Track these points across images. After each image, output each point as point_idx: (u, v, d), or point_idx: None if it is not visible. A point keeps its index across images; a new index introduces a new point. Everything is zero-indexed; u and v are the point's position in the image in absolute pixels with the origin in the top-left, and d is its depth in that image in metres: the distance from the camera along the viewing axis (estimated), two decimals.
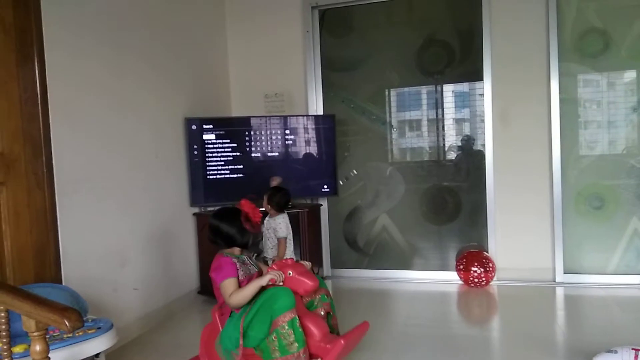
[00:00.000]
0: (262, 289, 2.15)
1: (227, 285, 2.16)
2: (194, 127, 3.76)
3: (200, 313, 3.55)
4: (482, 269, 3.84)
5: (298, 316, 2.07)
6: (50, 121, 2.52)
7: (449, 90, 4.22)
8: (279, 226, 3.21)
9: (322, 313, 2.28)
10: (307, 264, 2.37)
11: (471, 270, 3.86)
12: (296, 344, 2.04)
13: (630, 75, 3.82)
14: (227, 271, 2.19)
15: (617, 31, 3.75)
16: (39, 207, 2.51)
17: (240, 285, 2.19)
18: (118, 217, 2.98)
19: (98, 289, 2.71)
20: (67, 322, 1.40)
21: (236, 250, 2.33)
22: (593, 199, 3.85)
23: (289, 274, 2.20)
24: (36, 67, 2.48)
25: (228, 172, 3.86)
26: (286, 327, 2.04)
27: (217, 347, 2.21)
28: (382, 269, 4.29)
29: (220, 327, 2.24)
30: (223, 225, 2.29)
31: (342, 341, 2.09)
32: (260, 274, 2.33)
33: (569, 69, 3.82)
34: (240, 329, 2.06)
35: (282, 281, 2.17)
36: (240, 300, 2.13)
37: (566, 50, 3.81)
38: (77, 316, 1.43)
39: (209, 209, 3.85)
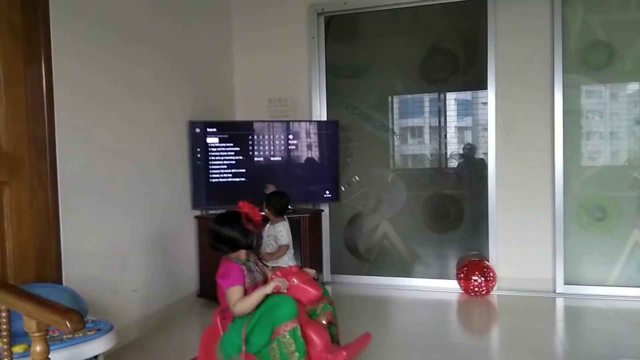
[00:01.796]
0: (266, 295, 2.15)
1: (233, 293, 2.15)
2: (197, 130, 3.77)
3: (200, 316, 3.55)
4: (482, 278, 3.84)
5: (300, 325, 2.07)
6: (55, 123, 2.53)
7: (452, 98, 4.24)
8: (279, 233, 3.17)
9: (324, 322, 2.27)
10: (312, 271, 2.36)
11: (472, 279, 3.86)
12: (297, 354, 2.04)
13: (633, 87, 3.82)
14: (233, 278, 2.17)
15: (621, 44, 3.76)
16: (41, 207, 2.52)
17: (245, 292, 2.17)
18: (120, 218, 2.99)
19: (98, 290, 2.71)
20: (68, 324, 1.40)
21: (242, 254, 2.31)
22: (595, 210, 3.85)
23: (293, 282, 2.19)
24: (43, 70, 2.50)
25: (230, 175, 3.87)
26: (287, 337, 2.04)
27: (217, 351, 2.21)
28: (383, 275, 4.29)
29: (221, 331, 2.24)
30: (225, 230, 2.26)
31: (344, 353, 2.09)
32: (265, 281, 2.32)
33: (573, 81, 3.83)
34: (242, 335, 2.06)
35: (287, 289, 2.17)
36: (244, 309, 2.12)
37: (571, 62, 3.82)
38: (78, 318, 1.43)
39: (211, 212, 3.85)
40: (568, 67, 3.81)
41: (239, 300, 2.13)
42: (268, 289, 2.13)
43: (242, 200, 2.35)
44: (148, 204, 3.27)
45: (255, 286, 2.24)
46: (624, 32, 3.75)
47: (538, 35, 3.84)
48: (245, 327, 2.07)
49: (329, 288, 4.06)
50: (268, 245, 3.24)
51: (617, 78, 3.81)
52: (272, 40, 4.41)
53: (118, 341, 2.21)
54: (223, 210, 2.49)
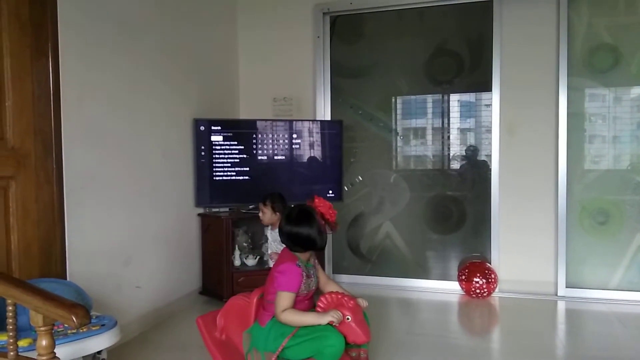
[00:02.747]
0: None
1: (284, 299, 2.06)
2: (202, 127, 3.78)
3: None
4: (484, 280, 3.84)
5: None
6: (62, 119, 2.54)
7: (456, 100, 4.24)
8: None
9: (354, 355, 2.16)
10: (365, 304, 2.20)
11: (473, 280, 3.86)
12: None
13: (638, 91, 3.82)
14: (292, 283, 2.07)
15: (627, 47, 3.76)
16: (47, 202, 2.53)
17: (295, 300, 2.09)
18: (124, 215, 3.00)
19: (102, 286, 2.72)
20: (74, 318, 1.42)
21: (306, 255, 2.19)
22: (598, 214, 3.85)
23: (347, 319, 2.07)
24: (50, 65, 2.51)
25: (234, 173, 3.88)
26: None
27: (245, 335, 2.19)
28: (385, 276, 4.29)
29: (253, 316, 2.20)
30: (303, 229, 2.11)
31: None
32: (317, 289, 2.23)
33: (577, 84, 3.83)
34: (281, 345, 2.03)
35: (339, 323, 2.06)
36: (290, 323, 2.05)
37: (576, 65, 3.82)
38: (84, 313, 1.45)
39: (214, 210, 3.87)
40: (573, 70, 3.81)
41: (289, 310, 2.06)
42: (323, 320, 2.03)
43: (318, 197, 2.20)
44: (152, 201, 3.28)
45: (307, 296, 2.17)
46: (630, 36, 3.75)
47: (544, 38, 3.84)
48: (287, 339, 2.03)
49: None
50: (275, 250, 3.23)
51: (622, 82, 3.81)
52: (277, 39, 4.42)
53: (121, 337, 2.22)
54: (294, 206, 2.26)
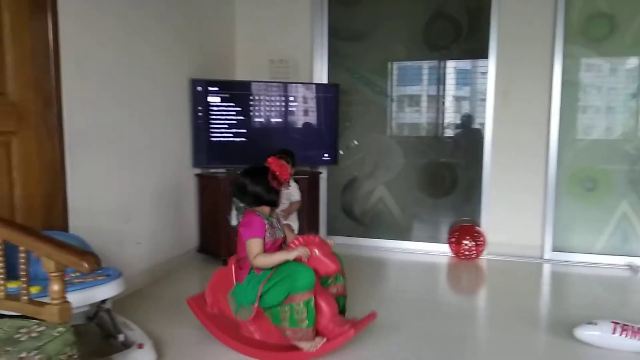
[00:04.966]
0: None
1: (254, 245, 2.20)
2: (199, 88, 3.78)
3: (200, 270, 3.66)
4: (473, 242, 3.97)
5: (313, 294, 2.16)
6: (62, 73, 2.55)
7: (452, 66, 4.26)
8: (294, 191, 3.26)
9: (334, 292, 2.36)
10: (332, 242, 2.40)
11: (462, 243, 3.99)
12: (306, 322, 2.15)
13: (632, 61, 3.86)
14: (255, 230, 2.22)
15: (623, 17, 3.77)
16: (48, 157, 2.56)
17: (265, 246, 2.23)
18: (124, 172, 3.05)
19: (104, 241, 2.78)
20: (85, 264, 1.49)
21: (266, 209, 2.32)
22: (586, 180, 3.95)
23: (315, 253, 2.25)
24: (49, 18, 2.49)
25: (231, 135, 3.91)
26: (301, 305, 2.14)
27: (229, 297, 2.30)
28: (377, 238, 4.40)
29: (234, 279, 2.32)
30: (250, 184, 2.27)
31: (352, 331, 2.21)
32: (284, 240, 2.38)
33: (573, 52, 3.86)
34: (258, 292, 2.16)
35: (307, 258, 2.23)
36: (263, 265, 2.19)
37: (572, 33, 3.84)
38: (95, 259, 1.52)
39: (211, 170, 3.91)
40: (569, 37, 3.83)
41: (261, 255, 2.19)
42: (291, 255, 2.19)
43: (273, 157, 2.34)
44: (151, 159, 3.33)
45: (274, 242, 2.30)
46: (628, 5, 3.76)
47: (541, 4, 3.84)
48: (262, 285, 2.16)
49: None
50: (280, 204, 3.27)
51: (617, 51, 3.84)
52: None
53: (125, 289, 2.30)
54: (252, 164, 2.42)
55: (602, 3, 3.81)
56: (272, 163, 2.29)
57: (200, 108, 3.80)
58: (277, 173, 2.28)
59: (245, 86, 4.01)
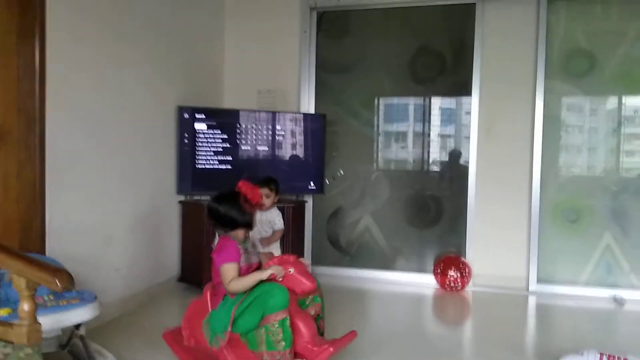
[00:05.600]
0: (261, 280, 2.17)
1: (229, 270, 2.17)
2: (186, 115, 3.80)
3: (180, 299, 3.57)
4: (458, 274, 3.94)
5: (289, 314, 2.12)
6: (46, 98, 2.55)
7: (437, 102, 4.36)
8: (277, 218, 3.22)
9: (312, 313, 2.32)
10: (307, 262, 2.38)
11: (448, 274, 3.96)
12: (283, 343, 2.09)
13: (612, 97, 3.98)
14: (229, 255, 2.20)
15: (602, 53, 3.90)
16: (28, 180, 2.53)
17: (240, 271, 2.20)
18: (105, 197, 3.01)
19: (81, 266, 2.71)
20: (58, 282, 1.44)
21: (240, 234, 2.32)
22: (569, 212, 3.98)
23: (290, 271, 2.21)
24: (37, 44, 2.51)
25: (217, 162, 3.90)
26: (276, 326, 2.09)
27: (204, 325, 2.24)
28: (362, 268, 4.36)
29: (209, 307, 2.27)
30: (223, 208, 2.27)
31: (330, 349, 2.15)
32: (259, 265, 2.35)
33: (554, 88, 3.95)
34: (231, 316, 2.11)
35: (282, 277, 2.19)
36: (239, 289, 2.15)
37: (553, 69, 3.95)
38: (68, 277, 1.47)
39: (195, 197, 3.88)
40: (550, 74, 3.94)
41: (235, 279, 2.16)
42: (265, 274, 2.15)
43: (243, 180, 2.35)
44: (134, 185, 3.30)
45: (249, 267, 2.27)
46: (606, 42, 3.89)
47: (523, 41, 3.96)
48: (235, 309, 2.11)
49: None
50: (261, 232, 3.24)
51: (597, 86, 3.95)
52: (264, 31, 4.43)
53: (100, 314, 2.23)
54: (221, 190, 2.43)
55: (581, 40, 3.94)
56: (243, 186, 2.31)
57: (186, 135, 3.81)
58: (249, 196, 2.28)
59: (232, 114, 4.04)
